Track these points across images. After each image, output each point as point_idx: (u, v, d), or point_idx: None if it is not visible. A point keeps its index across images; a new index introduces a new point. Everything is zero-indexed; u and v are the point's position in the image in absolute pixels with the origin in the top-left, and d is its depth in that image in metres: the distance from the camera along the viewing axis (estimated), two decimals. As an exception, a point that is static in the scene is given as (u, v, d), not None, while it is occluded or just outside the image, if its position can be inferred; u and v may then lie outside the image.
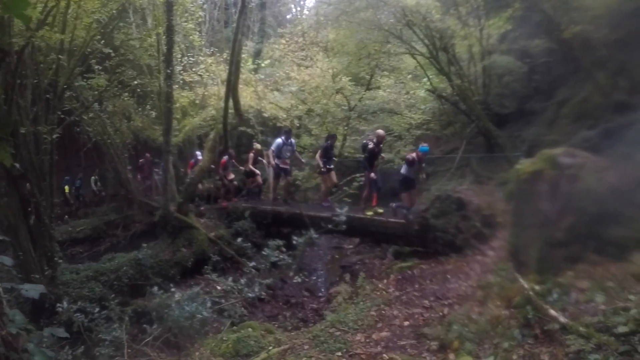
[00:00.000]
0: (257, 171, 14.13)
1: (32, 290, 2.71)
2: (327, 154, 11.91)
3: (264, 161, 14.28)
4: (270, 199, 14.15)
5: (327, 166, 11.90)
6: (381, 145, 11.25)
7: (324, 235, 11.05)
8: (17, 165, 7.38)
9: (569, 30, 10.22)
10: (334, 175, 12.37)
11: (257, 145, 14.58)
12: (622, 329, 3.99)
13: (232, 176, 14.80)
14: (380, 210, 10.76)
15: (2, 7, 1.68)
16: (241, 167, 15.16)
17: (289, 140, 12.62)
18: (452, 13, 13.95)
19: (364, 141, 12.01)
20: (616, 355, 3.77)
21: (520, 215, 6.72)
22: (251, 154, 13.96)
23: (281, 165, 12.56)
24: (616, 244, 4.98)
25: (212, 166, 14.64)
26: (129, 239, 14.92)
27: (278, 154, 12.41)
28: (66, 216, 19.23)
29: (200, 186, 15.25)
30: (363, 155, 11.28)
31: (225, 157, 14.60)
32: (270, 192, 14.14)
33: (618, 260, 4.90)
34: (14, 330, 2.32)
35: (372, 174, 10.66)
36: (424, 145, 10.16)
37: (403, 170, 10.27)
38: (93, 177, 20.47)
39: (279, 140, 12.50)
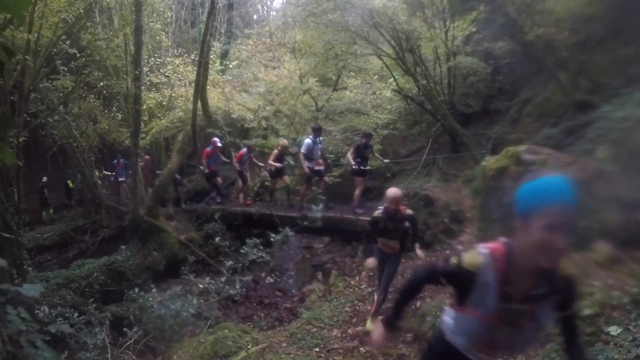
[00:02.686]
0: (278, 164, 12.38)
1: (31, 290, 2.74)
2: (360, 153, 10.90)
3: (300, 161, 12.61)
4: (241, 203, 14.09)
5: (361, 167, 10.93)
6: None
7: (295, 235, 11.19)
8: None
9: (531, 33, 10.50)
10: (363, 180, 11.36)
11: (284, 141, 13.27)
12: (587, 312, 4.22)
13: (247, 173, 13.99)
14: None
15: (1, 5, 1.71)
16: (261, 164, 14.57)
17: (318, 139, 11.52)
18: (418, 15, 14.16)
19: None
20: (583, 336, 3.99)
21: (487, 210, 6.96)
22: (275, 151, 12.68)
23: (315, 168, 11.40)
24: (578, 234, 5.21)
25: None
26: (98, 244, 14.65)
27: (309, 155, 11.27)
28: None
29: (219, 179, 14.67)
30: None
31: (243, 150, 13.80)
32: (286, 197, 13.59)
33: (581, 250, 5.13)
34: (24, 327, 2.35)
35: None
36: None
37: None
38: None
39: (308, 141, 11.33)
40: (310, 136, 11.46)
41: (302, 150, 11.34)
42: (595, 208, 5.15)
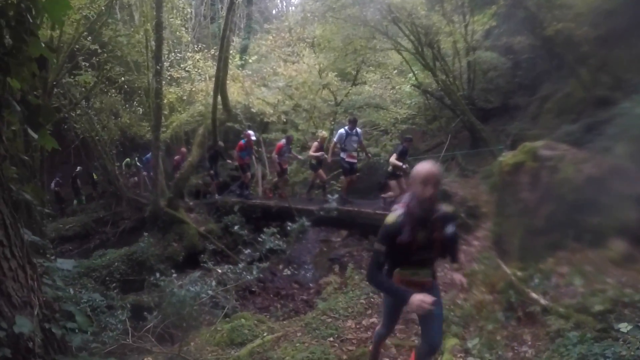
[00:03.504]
0: (318, 153, 12.03)
1: (65, 264, 2.97)
2: (403, 157, 10.69)
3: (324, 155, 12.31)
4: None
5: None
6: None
7: (312, 229, 11.28)
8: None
9: (551, 27, 10.42)
10: (403, 181, 10.83)
11: (323, 133, 13.03)
12: (598, 308, 4.24)
13: (286, 165, 13.68)
14: None
15: (40, 9, 1.82)
16: (299, 157, 14.48)
17: (354, 130, 11.33)
18: (437, 10, 14.11)
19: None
20: (593, 332, 4.02)
21: (503, 206, 6.97)
22: (315, 143, 12.39)
23: (346, 159, 11.35)
24: (594, 231, 5.21)
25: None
26: (118, 235, 14.92)
27: (342, 146, 11.31)
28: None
29: (249, 174, 14.18)
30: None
31: (282, 141, 13.50)
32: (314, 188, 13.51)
33: (596, 247, 5.14)
34: (61, 293, 2.50)
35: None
36: None
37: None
38: (126, 160, 19.81)
39: (341, 131, 11.35)
40: (346, 127, 11.41)
41: (335, 139, 11.53)
42: (610, 205, 5.14)
